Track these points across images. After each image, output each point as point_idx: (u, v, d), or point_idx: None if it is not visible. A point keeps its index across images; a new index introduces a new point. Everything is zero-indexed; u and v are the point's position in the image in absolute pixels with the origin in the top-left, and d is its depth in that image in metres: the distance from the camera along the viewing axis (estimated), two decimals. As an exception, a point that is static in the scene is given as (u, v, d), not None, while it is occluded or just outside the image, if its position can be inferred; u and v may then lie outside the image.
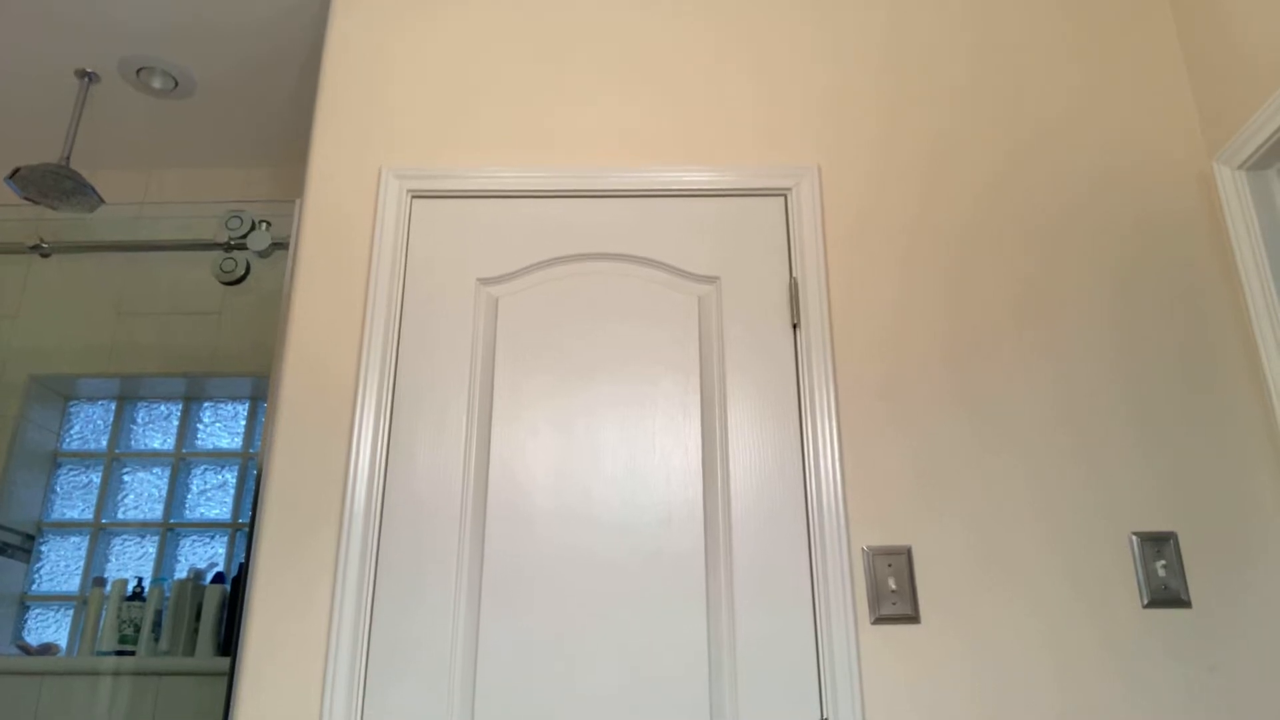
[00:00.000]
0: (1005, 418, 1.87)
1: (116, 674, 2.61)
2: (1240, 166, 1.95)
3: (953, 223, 2.03)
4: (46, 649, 2.76)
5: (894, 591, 1.75)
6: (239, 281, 2.66)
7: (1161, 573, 1.76)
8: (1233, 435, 1.86)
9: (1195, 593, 1.75)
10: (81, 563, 2.90)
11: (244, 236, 2.61)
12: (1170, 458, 1.85)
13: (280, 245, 2.62)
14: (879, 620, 1.74)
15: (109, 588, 2.75)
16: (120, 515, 2.95)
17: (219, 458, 3.02)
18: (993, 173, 2.07)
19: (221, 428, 3.06)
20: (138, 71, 2.70)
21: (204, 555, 2.91)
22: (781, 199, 2.05)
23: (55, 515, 2.95)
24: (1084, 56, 2.18)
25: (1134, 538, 1.78)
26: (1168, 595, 1.75)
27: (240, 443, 3.03)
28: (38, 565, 2.91)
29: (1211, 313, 1.95)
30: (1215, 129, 2.05)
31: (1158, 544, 1.78)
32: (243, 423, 3.06)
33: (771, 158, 2.09)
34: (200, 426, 3.06)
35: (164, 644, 2.65)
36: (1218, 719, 1.67)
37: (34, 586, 2.88)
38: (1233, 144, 1.96)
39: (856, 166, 2.08)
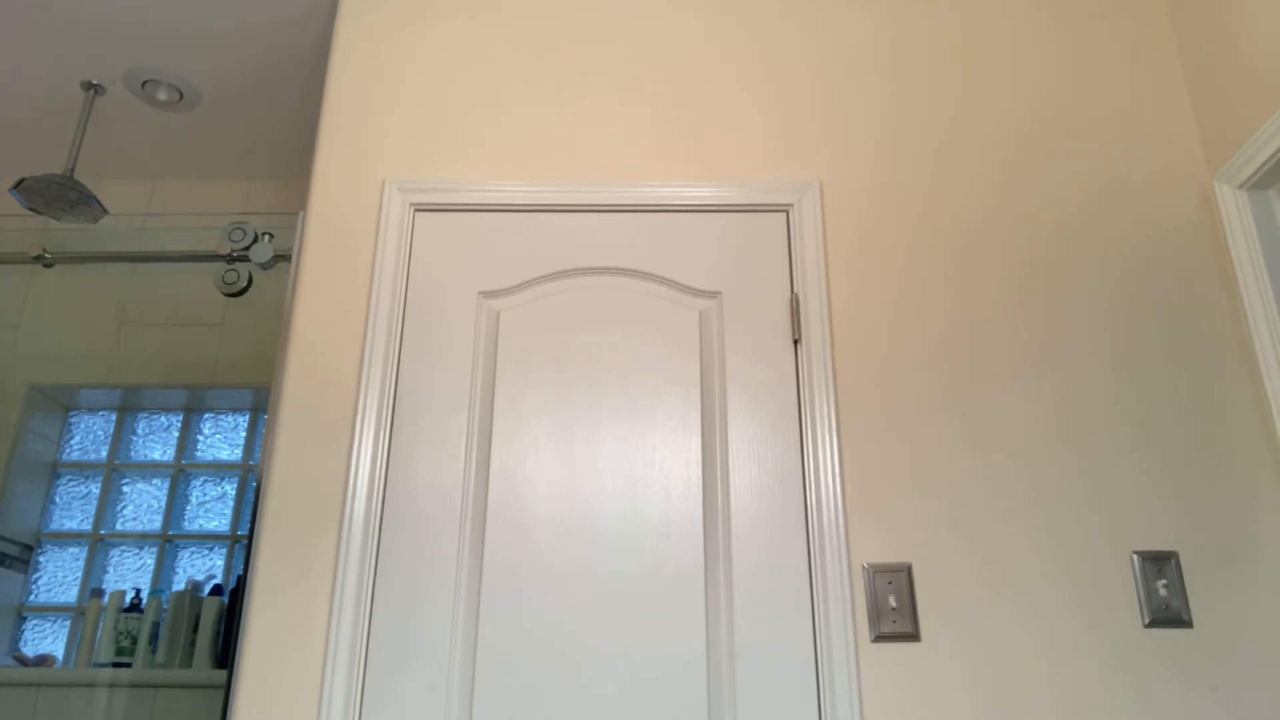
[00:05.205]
0: (1007, 436, 1.87)
1: (113, 686, 2.59)
2: (1241, 186, 1.96)
3: (953, 237, 2.03)
4: (42, 660, 2.75)
5: (894, 609, 1.74)
6: (241, 293, 2.66)
7: (1163, 592, 1.75)
8: (1234, 454, 1.86)
9: (1196, 612, 1.75)
10: (79, 574, 2.89)
11: (247, 248, 2.61)
12: (1171, 477, 1.84)
13: (283, 257, 2.62)
14: (879, 638, 1.73)
15: (106, 599, 2.74)
16: (119, 526, 2.95)
17: (219, 469, 3.02)
18: (993, 187, 2.08)
19: (222, 439, 3.06)
20: (143, 83, 2.71)
21: (202, 567, 2.90)
22: (783, 215, 2.05)
23: (54, 526, 2.95)
24: (1083, 72, 2.18)
25: (1135, 557, 1.78)
26: (1169, 615, 1.74)
27: (240, 454, 3.03)
28: (36, 576, 2.90)
29: (1213, 330, 1.95)
30: (1216, 146, 2.05)
31: (1159, 563, 1.77)
32: (243, 434, 3.05)
33: (773, 173, 2.10)
34: (200, 438, 3.06)
35: (161, 656, 2.64)
36: (1219, 740, 1.67)
37: (31, 597, 2.87)
38: (1234, 162, 1.96)
39: (858, 182, 2.09)
